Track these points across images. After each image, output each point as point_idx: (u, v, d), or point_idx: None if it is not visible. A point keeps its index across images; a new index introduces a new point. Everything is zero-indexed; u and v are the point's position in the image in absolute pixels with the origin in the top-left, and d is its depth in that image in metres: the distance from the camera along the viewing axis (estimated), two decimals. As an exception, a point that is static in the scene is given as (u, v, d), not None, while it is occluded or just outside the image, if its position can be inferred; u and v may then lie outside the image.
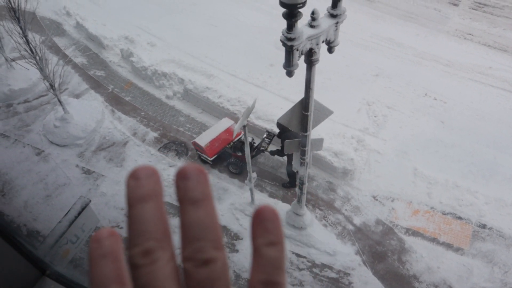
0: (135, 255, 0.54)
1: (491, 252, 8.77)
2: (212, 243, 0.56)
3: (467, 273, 8.48)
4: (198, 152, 10.24)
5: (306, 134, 6.51)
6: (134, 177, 0.57)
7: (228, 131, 9.93)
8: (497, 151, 10.30)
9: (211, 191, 0.59)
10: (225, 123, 10.15)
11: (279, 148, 8.87)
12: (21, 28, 9.40)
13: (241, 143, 9.54)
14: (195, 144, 9.95)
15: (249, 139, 9.37)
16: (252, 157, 9.63)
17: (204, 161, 10.19)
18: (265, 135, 9.76)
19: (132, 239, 0.55)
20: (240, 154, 9.63)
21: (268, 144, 9.47)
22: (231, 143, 9.88)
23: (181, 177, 0.58)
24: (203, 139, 9.79)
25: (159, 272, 0.54)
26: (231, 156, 9.97)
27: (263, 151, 9.54)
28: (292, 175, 9.43)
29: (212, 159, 9.99)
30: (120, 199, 9.73)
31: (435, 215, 9.35)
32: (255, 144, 9.75)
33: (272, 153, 9.30)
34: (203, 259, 0.54)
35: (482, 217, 9.22)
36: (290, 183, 9.80)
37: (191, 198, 0.58)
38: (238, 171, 10.03)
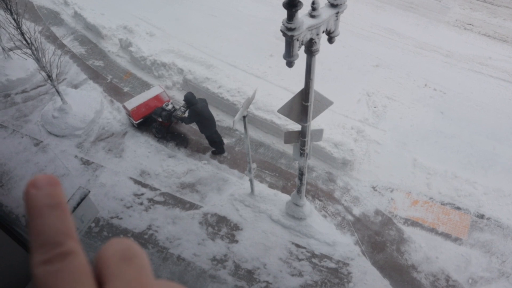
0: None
1: (489, 242, 8.81)
2: (69, 239, 0.55)
3: (465, 263, 8.53)
4: (127, 115, 10.89)
5: (306, 124, 6.50)
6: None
7: (157, 98, 10.69)
8: (496, 142, 10.31)
9: (64, 198, 0.58)
10: (155, 90, 10.89)
11: (186, 116, 9.85)
12: (15, 20, 9.30)
13: (161, 109, 10.34)
14: (124, 107, 10.66)
15: (170, 106, 10.35)
16: (170, 124, 10.67)
17: (133, 124, 10.91)
18: (182, 104, 10.41)
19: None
20: (160, 119, 10.38)
21: (183, 112, 10.10)
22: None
23: (32, 186, 0.57)
24: (132, 103, 10.52)
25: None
26: (155, 121, 10.55)
27: (176, 117, 10.20)
28: (212, 142, 10.11)
29: (137, 122, 10.69)
30: (119, 190, 9.74)
31: (434, 205, 9.37)
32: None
33: (181, 119, 10.04)
34: (61, 252, 0.54)
35: (481, 207, 9.25)
36: (218, 150, 10.32)
37: (42, 204, 0.57)
38: (160, 136, 10.68)
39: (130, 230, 9.15)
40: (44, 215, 0.56)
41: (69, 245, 0.55)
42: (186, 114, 9.83)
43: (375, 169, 9.92)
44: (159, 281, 0.59)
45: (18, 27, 9.35)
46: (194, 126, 10.32)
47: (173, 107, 10.46)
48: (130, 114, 10.51)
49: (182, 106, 10.22)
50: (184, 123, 9.99)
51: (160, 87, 11.02)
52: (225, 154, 10.40)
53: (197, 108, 9.32)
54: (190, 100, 9.36)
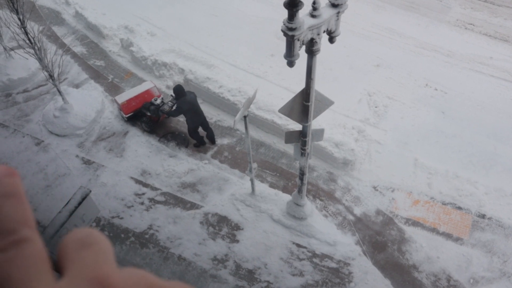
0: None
1: (490, 242, 8.80)
2: (24, 227, 0.55)
3: (467, 263, 8.52)
4: (118, 108, 11.07)
5: (307, 124, 6.50)
6: None
7: (148, 92, 10.87)
8: (497, 142, 10.30)
9: (20, 188, 0.58)
10: (146, 85, 11.09)
11: (173, 110, 10.06)
12: (19, 19, 9.32)
13: (149, 103, 10.50)
14: (115, 101, 10.94)
15: (158, 101, 10.49)
16: (158, 118, 10.77)
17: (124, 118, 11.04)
18: (170, 99, 10.56)
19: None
20: (148, 114, 10.55)
21: (171, 107, 10.19)
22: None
23: None
24: (122, 97, 10.77)
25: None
26: (145, 115, 10.70)
27: (162, 111, 10.31)
28: (193, 136, 10.26)
29: (127, 116, 10.84)
30: (120, 190, 9.75)
31: (435, 205, 9.37)
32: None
33: (168, 113, 10.17)
34: (15, 240, 0.53)
35: (482, 207, 9.25)
36: (199, 142, 10.46)
37: None
38: (149, 130, 10.83)
39: (131, 230, 9.16)
40: None
41: (24, 232, 0.54)
42: (174, 109, 9.99)
43: (376, 169, 9.92)
44: (122, 269, 0.59)
45: (23, 26, 9.36)
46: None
47: (162, 101, 10.62)
48: (121, 107, 10.69)
49: (170, 101, 10.37)
50: (172, 116, 10.21)
51: (151, 82, 11.22)
52: (226, 154, 10.40)
53: (185, 100, 9.49)
54: (179, 93, 9.53)
